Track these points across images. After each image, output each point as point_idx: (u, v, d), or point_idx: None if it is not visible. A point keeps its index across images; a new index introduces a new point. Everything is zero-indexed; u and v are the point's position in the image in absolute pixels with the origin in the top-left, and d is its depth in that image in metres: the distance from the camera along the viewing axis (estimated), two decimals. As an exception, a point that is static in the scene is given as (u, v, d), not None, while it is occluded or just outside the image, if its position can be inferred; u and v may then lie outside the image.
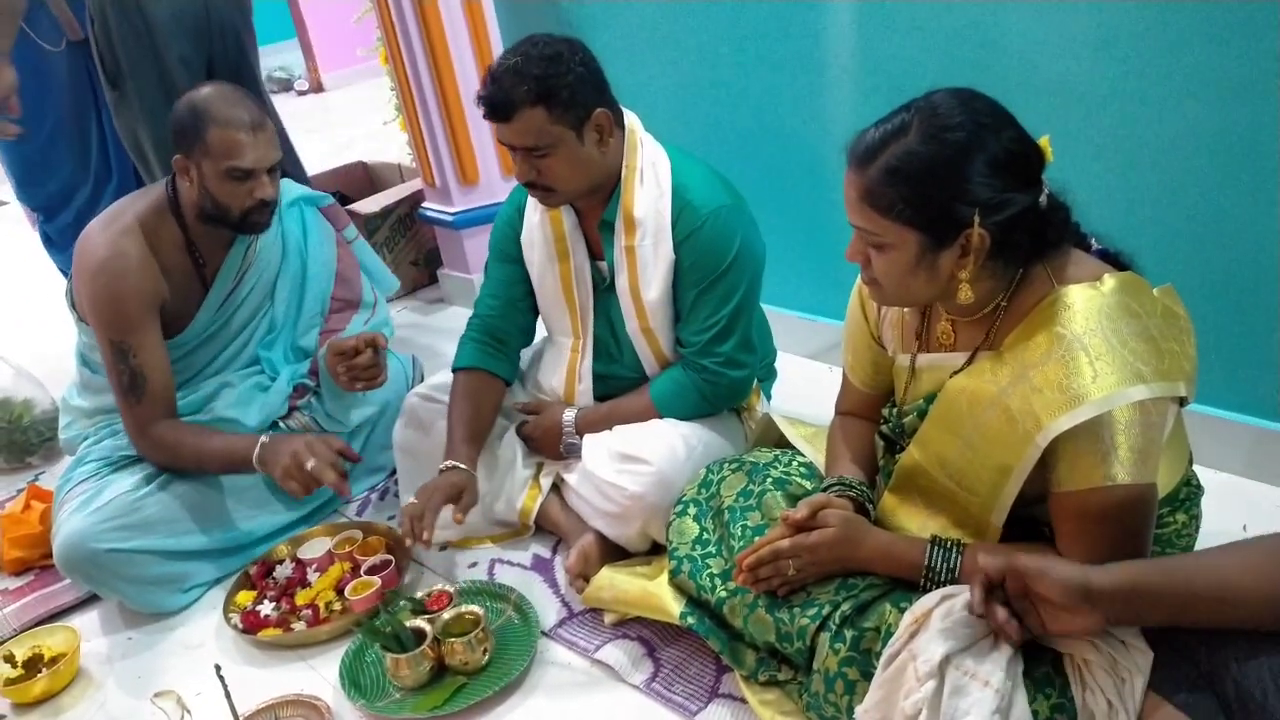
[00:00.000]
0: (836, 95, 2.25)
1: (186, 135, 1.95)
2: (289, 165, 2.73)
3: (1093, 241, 1.35)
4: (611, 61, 1.80)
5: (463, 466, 1.89)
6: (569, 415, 1.96)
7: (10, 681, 1.84)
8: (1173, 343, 1.24)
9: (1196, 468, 1.46)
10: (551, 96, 1.68)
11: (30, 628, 1.99)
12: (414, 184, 3.40)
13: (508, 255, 2.00)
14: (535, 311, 2.06)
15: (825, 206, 2.35)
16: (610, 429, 1.90)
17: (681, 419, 1.87)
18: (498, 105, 1.70)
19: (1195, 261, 1.80)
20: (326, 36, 6.96)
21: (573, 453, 1.95)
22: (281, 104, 6.91)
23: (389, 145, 4.06)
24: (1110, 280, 1.24)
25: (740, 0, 2.32)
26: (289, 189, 2.29)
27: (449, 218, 3.13)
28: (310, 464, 1.90)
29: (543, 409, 2.03)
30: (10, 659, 1.89)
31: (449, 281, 3.36)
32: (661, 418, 1.88)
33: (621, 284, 1.87)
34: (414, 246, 3.47)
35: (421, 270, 3.50)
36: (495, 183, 3.06)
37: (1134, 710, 1.08)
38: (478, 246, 3.12)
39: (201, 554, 2.07)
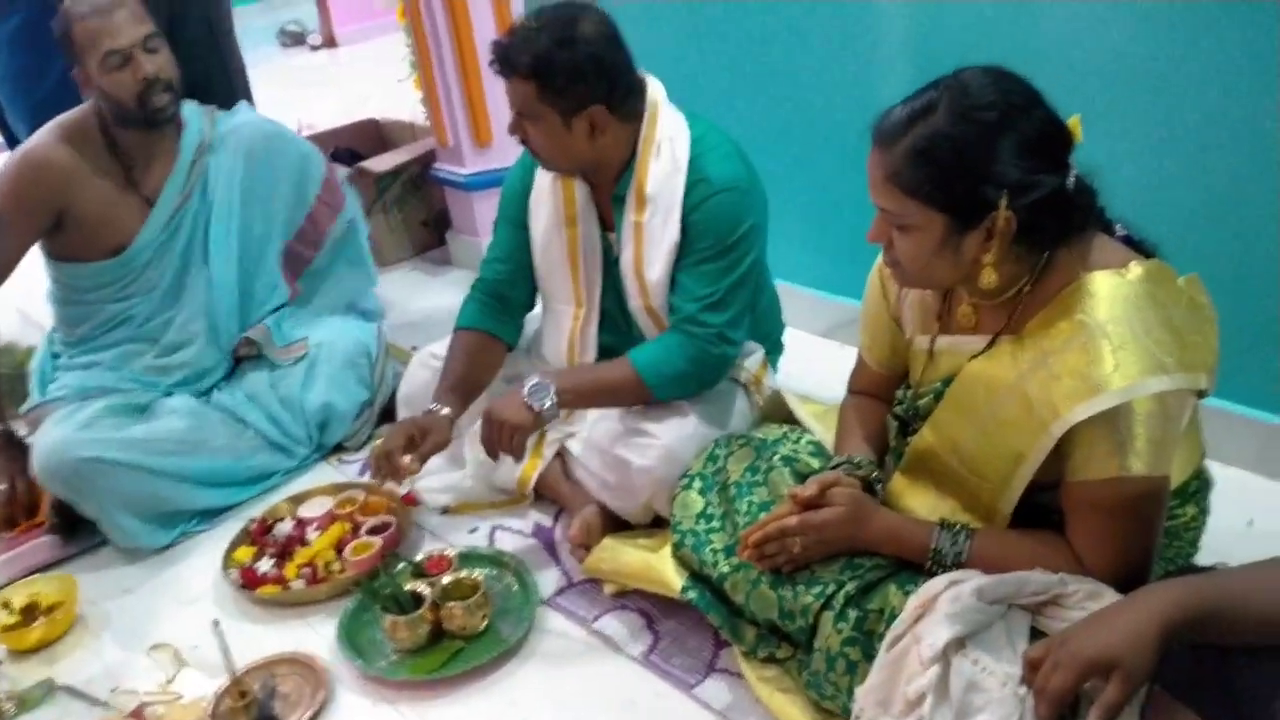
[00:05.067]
0: (864, 71, 2.22)
1: (64, 46, 2.04)
2: (232, 89, 2.75)
3: (1118, 227, 1.32)
4: (634, 25, 1.77)
5: (442, 412, 1.84)
6: (540, 378, 1.74)
7: (7, 628, 1.84)
8: (1196, 334, 1.22)
9: (1206, 461, 1.45)
10: (544, 78, 1.66)
11: (22, 577, 1.99)
12: (427, 142, 3.36)
13: (516, 219, 1.97)
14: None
15: (846, 183, 2.30)
16: (591, 404, 1.85)
17: (661, 386, 1.77)
18: (500, 60, 1.70)
19: (1216, 252, 1.77)
20: (343, -10, 6.90)
21: (538, 397, 1.71)
22: (294, 59, 6.93)
23: (402, 103, 4.02)
24: (1137, 268, 1.22)
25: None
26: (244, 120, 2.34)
27: (460, 179, 3.10)
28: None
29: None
30: (7, 605, 1.89)
31: (457, 244, 3.33)
32: (643, 383, 1.76)
33: (626, 260, 1.83)
34: (425, 207, 3.44)
35: (431, 232, 3.47)
36: (509, 145, 2.98)
37: (1139, 703, 1.07)
38: (488, 210, 3.06)
39: (184, 478, 2.09)
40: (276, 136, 2.39)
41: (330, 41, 7.05)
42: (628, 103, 1.76)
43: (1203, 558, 1.47)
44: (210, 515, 2.16)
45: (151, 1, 2.47)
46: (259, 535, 2.03)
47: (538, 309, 2.08)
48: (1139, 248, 1.30)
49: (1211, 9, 1.67)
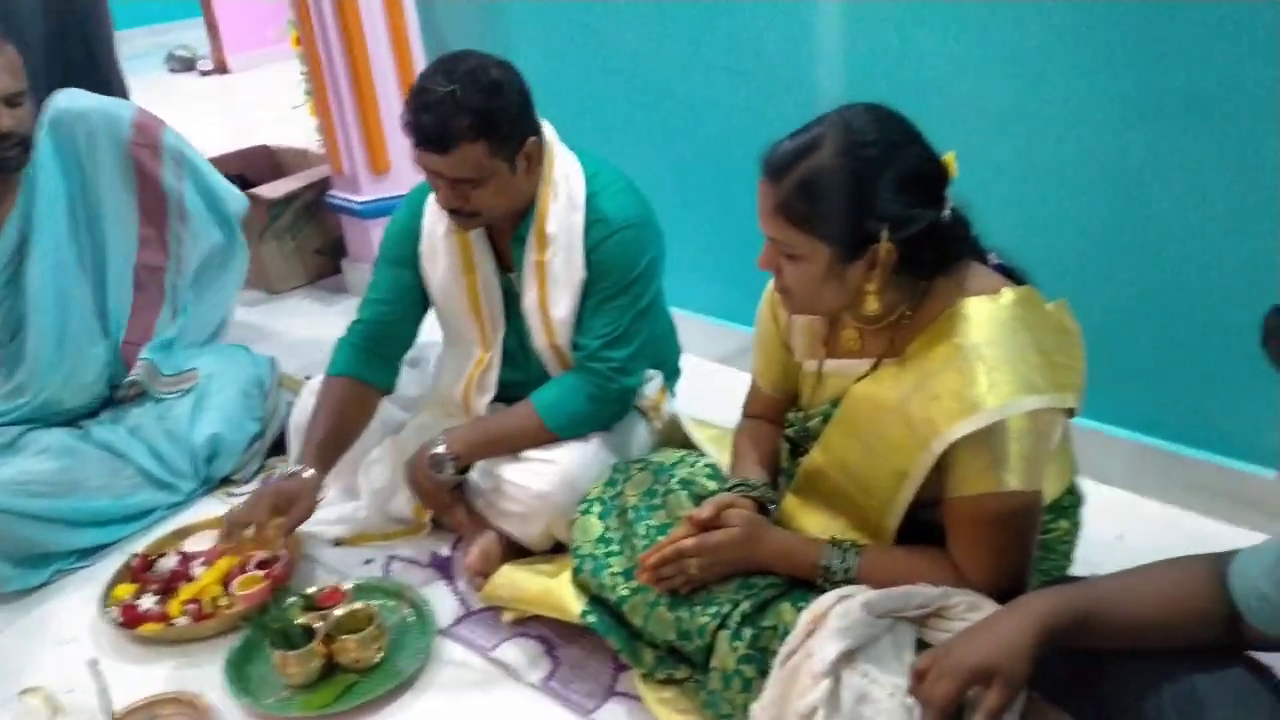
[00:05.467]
0: (752, 102, 2.28)
1: None
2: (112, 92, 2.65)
3: (991, 255, 1.40)
4: (529, 55, 1.79)
5: (307, 473, 1.77)
6: (441, 449, 1.79)
7: None
8: (1064, 356, 1.29)
9: (1077, 478, 1.53)
10: (493, 130, 1.62)
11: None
12: (321, 169, 3.31)
13: (401, 260, 1.91)
14: (422, 320, 1.98)
15: (737, 212, 2.35)
16: (496, 453, 1.82)
17: (565, 427, 1.79)
18: (435, 137, 1.61)
19: (1085, 278, 1.87)
20: (235, 16, 6.75)
21: (441, 468, 1.78)
22: (184, 84, 6.74)
23: (296, 130, 3.96)
24: (1008, 294, 1.29)
25: (662, 4, 2.34)
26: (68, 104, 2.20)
27: (357, 206, 3.06)
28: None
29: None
30: None
31: (353, 272, 3.28)
32: (545, 426, 1.78)
33: (530, 300, 1.82)
34: (319, 234, 3.38)
35: (326, 259, 3.41)
36: (406, 173, 3.00)
37: (1018, 708, 1.12)
38: (385, 238, 3.06)
39: (57, 520, 2.00)
40: (77, 117, 2.22)
41: (222, 67, 6.89)
42: (540, 128, 1.77)
43: (1076, 570, 1.54)
44: (88, 553, 2.06)
45: (26, 23, 2.41)
46: (141, 571, 1.94)
47: (435, 337, 2.06)
48: (1011, 275, 1.37)
49: (1078, 53, 1.79)
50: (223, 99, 6.37)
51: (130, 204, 2.29)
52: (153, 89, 6.38)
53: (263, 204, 3.17)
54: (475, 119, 1.60)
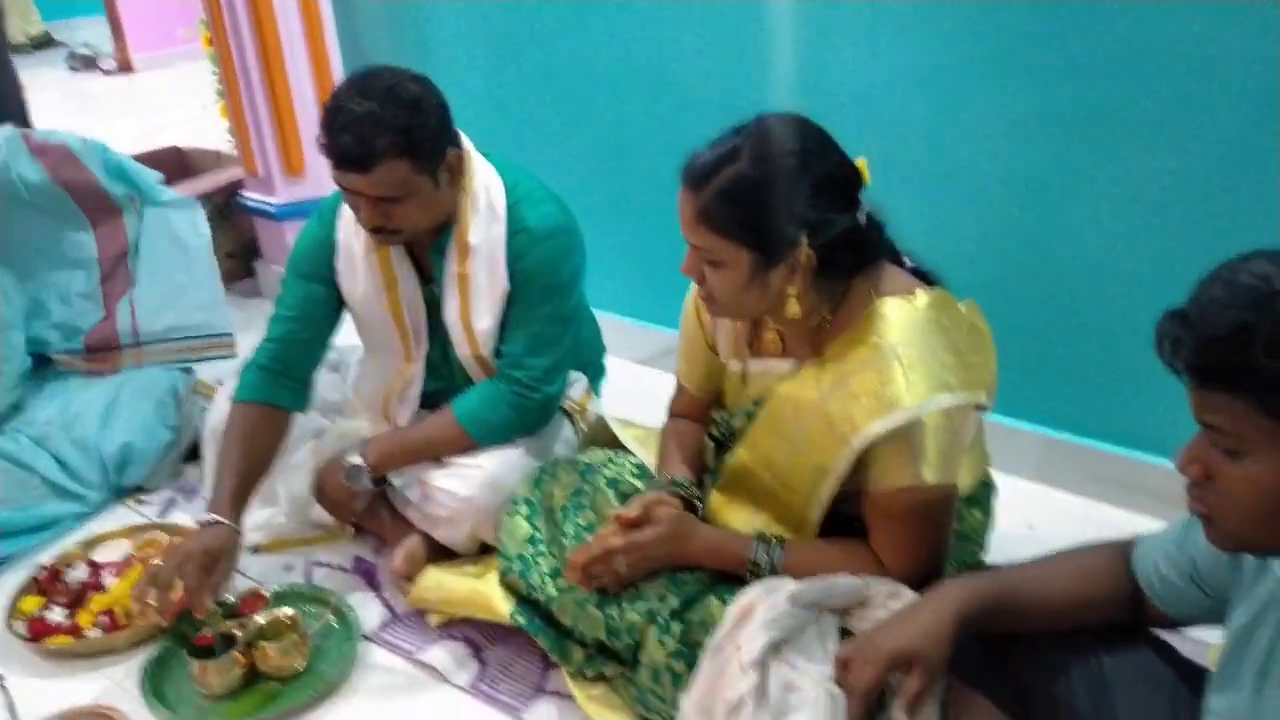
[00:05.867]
0: (673, 107, 2.31)
1: None
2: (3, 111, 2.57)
3: (906, 259, 1.44)
4: (445, 58, 1.77)
5: (224, 522, 1.67)
6: (357, 459, 1.78)
7: None
8: (976, 355, 1.34)
9: (990, 470, 1.58)
10: (415, 147, 1.59)
11: None
12: (233, 171, 3.23)
13: (314, 274, 1.85)
14: (333, 335, 1.93)
15: (661, 215, 2.38)
16: (414, 462, 1.80)
17: (486, 436, 1.77)
18: (356, 157, 1.57)
19: (994, 279, 1.94)
20: (139, 14, 6.54)
21: (356, 479, 1.79)
22: (86, 83, 6.50)
23: (206, 130, 3.86)
24: (923, 295, 1.33)
25: (582, 11, 2.35)
26: None
27: (271, 208, 3.00)
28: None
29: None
30: None
31: (268, 274, 3.22)
32: (466, 434, 1.77)
33: (451, 312, 1.80)
34: (231, 237, 3.29)
35: (238, 263, 3.33)
36: (322, 175, 2.95)
37: (939, 692, 1.16)
38: (302, 240, 3.00)
39: None
40: None
41: (126, 66, 6.67)
42: (460, 142, 1.75)
43: (988, 560, 1.60)
44: (-10, 566, 1.99)
45: None
46: (49, 583, 1.87)
47: (357, 340, 2.03)
48: (924, 277, 1.41)
49: (985, 69, 1.85)
50: (129, 99, 6.16)
51: (73, 210, 2.25)
52: (53, 88, 6.16)
53: (173, 206, 3.08)
54: (396, 136, 1.57)
